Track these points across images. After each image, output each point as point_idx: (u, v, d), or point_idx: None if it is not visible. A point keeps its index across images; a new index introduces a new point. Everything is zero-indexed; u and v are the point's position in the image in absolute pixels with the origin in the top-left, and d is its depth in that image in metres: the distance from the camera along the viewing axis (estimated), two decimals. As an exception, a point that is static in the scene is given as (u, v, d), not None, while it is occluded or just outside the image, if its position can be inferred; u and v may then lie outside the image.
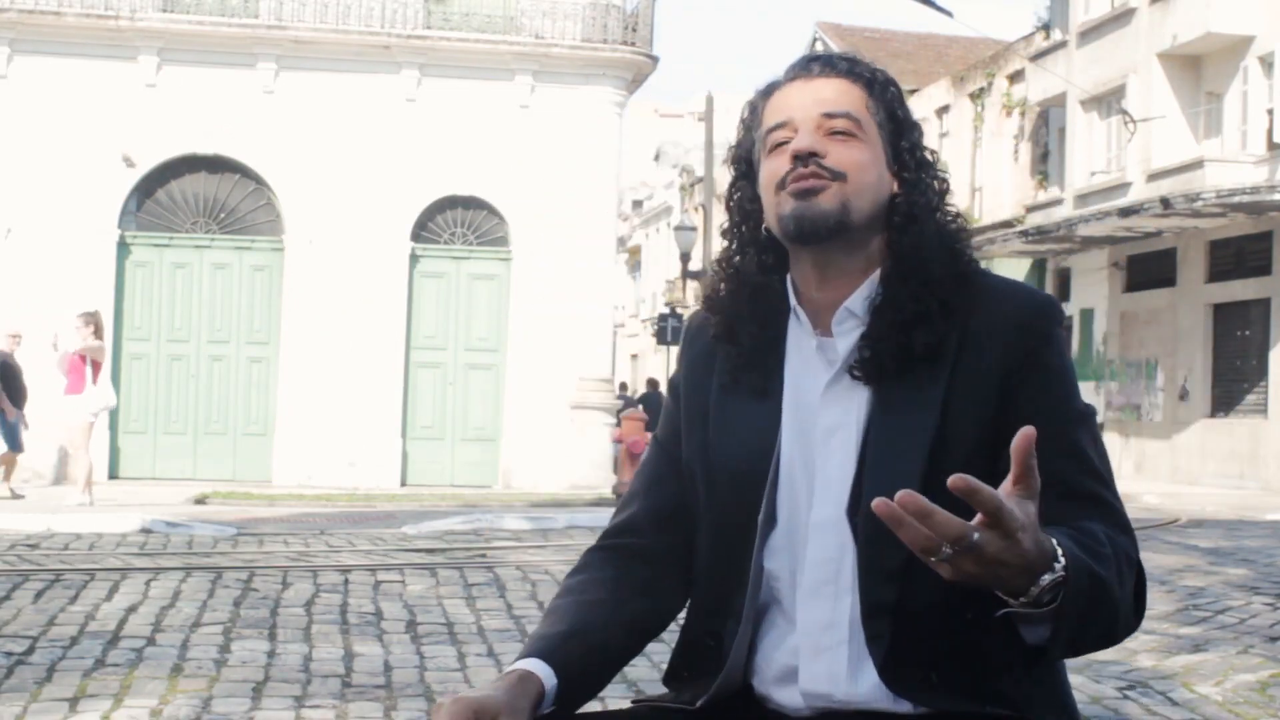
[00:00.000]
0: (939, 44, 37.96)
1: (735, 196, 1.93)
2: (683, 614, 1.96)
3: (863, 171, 1.80)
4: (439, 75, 20.57)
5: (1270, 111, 21.29)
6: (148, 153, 20.04)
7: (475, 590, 7.17)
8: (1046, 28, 27.34)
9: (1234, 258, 22.16)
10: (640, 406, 21.67)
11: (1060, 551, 1.54)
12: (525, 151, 20.55)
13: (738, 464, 1.84)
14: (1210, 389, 22.66)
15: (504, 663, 5.20)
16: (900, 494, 1.46)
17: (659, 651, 2.57)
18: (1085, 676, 5.02)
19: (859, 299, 1.82)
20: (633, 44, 21.02)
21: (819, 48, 38.15)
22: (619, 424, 21.73)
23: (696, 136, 46.22)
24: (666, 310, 33.15)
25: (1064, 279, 26.50)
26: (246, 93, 20.27)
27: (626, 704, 2.03)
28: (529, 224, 20.68)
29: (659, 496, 1.93)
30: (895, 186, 1.83)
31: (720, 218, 1.98)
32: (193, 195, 20.55)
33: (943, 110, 30.83)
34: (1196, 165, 21.38)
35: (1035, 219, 25.87)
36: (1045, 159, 27.68)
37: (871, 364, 1.78)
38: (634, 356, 52.22)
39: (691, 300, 33.63)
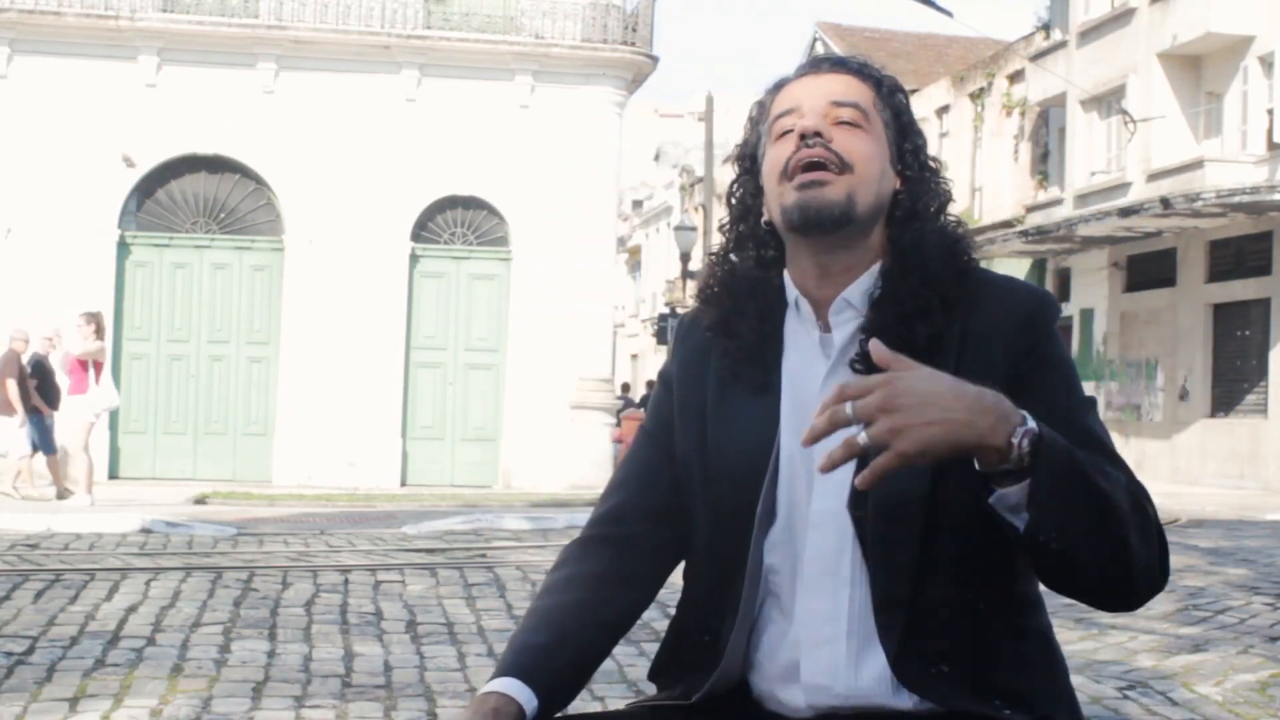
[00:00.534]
0: (939, 44, 37.96)
1: (737, 192, 1.92)
2: (648, 610, 1.95)
3: (869, 163, 1.80)
4: (439, 75, 20.57)
5: (1270, 111, 21.29)
6: (148, 153, 20.04)
7: (475, 590, 7.17)
8: (1046, 28, 27.34)
9: (1234, 258, 22.16)
10: (641, 407, 21.68)
11: (1026, 414, 1.57)
12: (525, 151, 20.55)
13: (737, 459, 1.83)
14: (1210, 389, 22.66)
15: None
16: (872, 343, 1.56)
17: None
18: (1085, 677, 5.02)
19: (857, 291, 1.82)
20: (633, 44, 21.02)
21: (819, 48, 38.19)
22: (619, 424, 21.75)
23: (696, 136, 46.22)
24: (666, 310, 33.17)
25: (1064, 279, 26.50)
26: (246, 93, 20.27)
27: (625, 704, 2.03)
28: (529, 224, 20.68)
29: (648, 486, 1.92)
30: (898, 184, 1.84)
31: (720, 217, 1.98)
32: (193, 195, 20.55)
33: (943, 110, 30.83)
34: (1196, 165, 21.38)
35: (1035, 219, 25.87)
36: (1045, 159, 27.68)
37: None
38: (634, 356, 52.23)
39: (691, 300, 33.50)
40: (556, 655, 1.79)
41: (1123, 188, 23.61)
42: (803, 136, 1.79)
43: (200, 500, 16.00)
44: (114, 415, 17.84)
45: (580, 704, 1.92)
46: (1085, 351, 25.77)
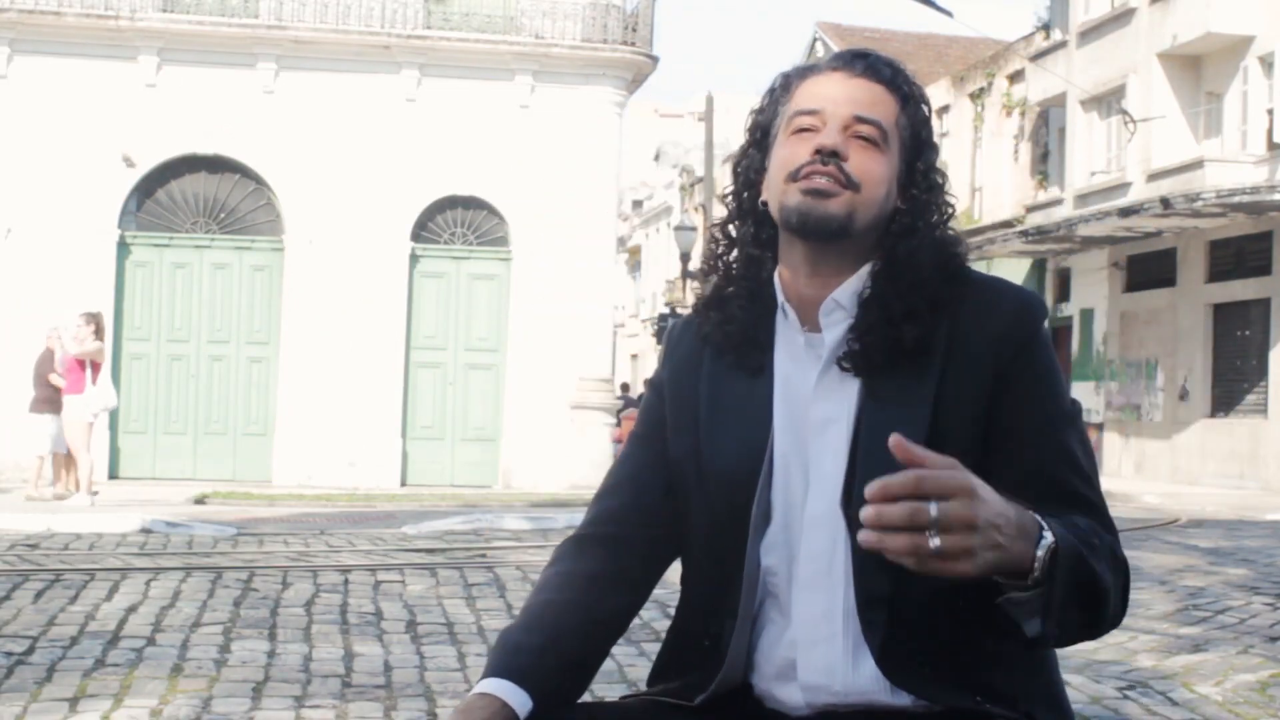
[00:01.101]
0: (939, 44, 37.96)
1: (743, 163, 1.92)
2: (647, 610, 1.95)
3: (876, 185, 1.80)
4: (439, 75, 20.58)
5: (1270, 111, 21.29)
6: (148, 153, 20.05)
7: (475, 590, 7.17)
8: (1046, 28, 27.33)
9: (1234, 258, 22.17)
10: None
11: (1044, 522, 1.56)
12: (525, 151, 20.55)
13: (731, 462, 1.84)
14: (1210, 389, 22.66)
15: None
16: (893, 439, 1.48)
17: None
18: (1085, 676, 5.02)
19: (847, 292, 1.82)
20: (633, 44, 21.02)
21: (819, 48, 38.19)
22: (619, 424, 21.74)
23: (696, 136, 46.22)
24: (666, 310, 33.17)
25: (1064, 279, 26.50)
26: (246, 93, 20.27)
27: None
28: (529, 224, 20.68)
29: (640, 489, 1.92)
30: (900, 202, 1.84)
31: (725, 186, 1.98)
32: (193, 195, 20.55)
33: (943, 110, 30.82)
34: (1196, 165, 21.38)
35: (1035, 219, 25.86)
36: (1045, 159, 27.68)
37: (860, 356, 1.79)
38: (634, 356, 52.23)
39: (691, 300, 33.56)
40: (549, 657, 1.78)
41: (1123, 188, 23.61)
42: (819, 151, 1.78)
43: (200, 500, 16.01)
44: (114, 415, 17.84)
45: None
46: (1085, 351, 25.77)
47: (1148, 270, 24.20)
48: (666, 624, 1.98)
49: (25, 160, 19.57)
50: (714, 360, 1.90)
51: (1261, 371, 21.52)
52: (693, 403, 1.89)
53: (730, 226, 1.92)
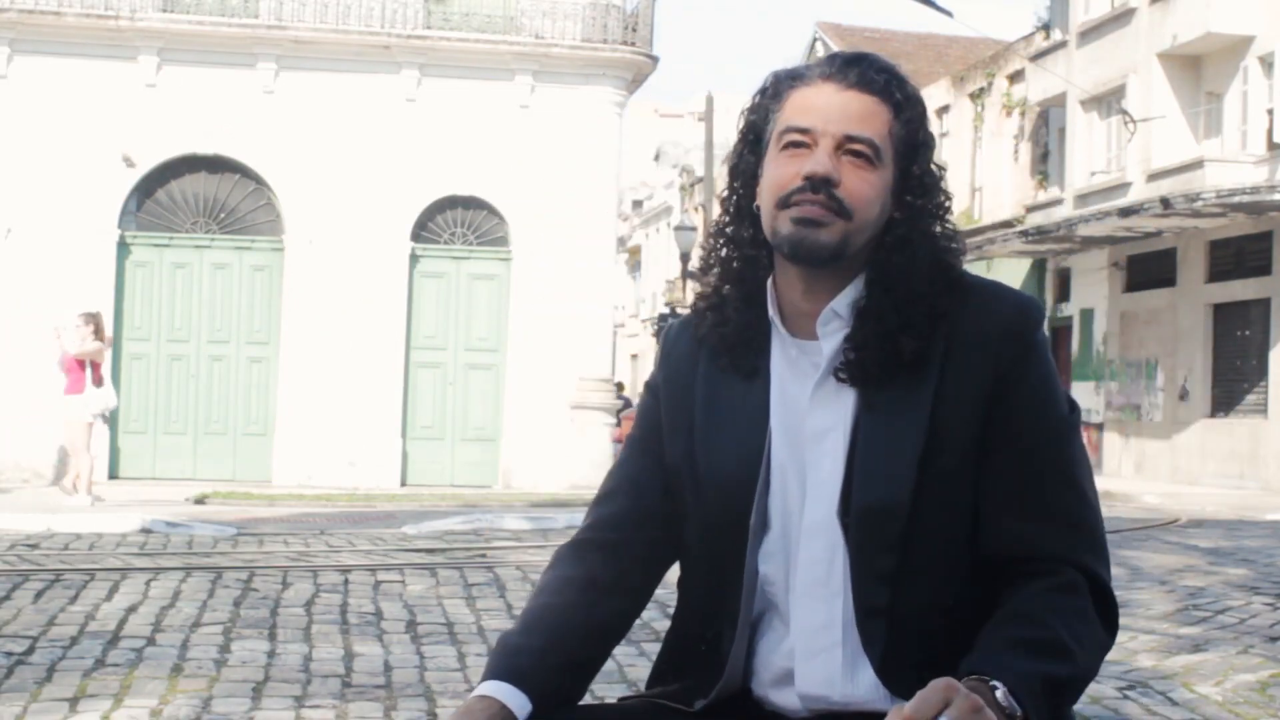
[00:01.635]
0: (939, 44, 37.96)
1: (738, 165, 1.90)
2: (647, 610, 1.95)
3: (869, 208, 1.78)
4: (439, 75, 20.57)
5: (1270, 111, 21.29)
6: (148, 153, 20.04)
7: (475, 590, 7.17)
8: (1046, 28, 27.34)
9: (1234, 258, 22.17)
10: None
11: (1014, 700, 1.60)
12: (525, 151, 20.54)
13: (727, 470, 1.83)
14: (1210, 389, 22.66)
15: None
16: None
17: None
18: (1085, 676, 5.01)
19: (844, 301, 1.81)
20: (633, 44, 21.02)
21: (819, 48, 38.16)
22: (619, 424, 21.73)
23: (696, 136, 46.21)
24: (666, 310, 33.17)
25: (1064, 279, 26.50)
26: (246, 93, 20.27)
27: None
28: (529, 224, 20.67)
29: (638, 493, 1.92)
30: (895, 210, 1.81)
31: (721, 190, 1.97)
32: (193, 195, 20.55)
33: (943, 110, 30.83)
34: (1196, 165, 21.38)
35: (1035, 219, 25.87)
36: (1045, 159, 27.69)
37: (857, 367, 1.78)
38: (634, 356, 52.23)
39: (691, 300, 33.56)
40: (549, 659, 1.78)
41: (1123, 188, 23.61)
42: (809, 178, 1.76)
43: (200, 500, 16.00)
44: (114, 415, 17.81)
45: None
46: (1085, 351, 25.78)
47: (1148, 270, 24.20)
48: (666, 624, 1.98)
49: (25, 160, 19.56)
50: (710, 362, 1.89)
51: (1261, 371, 21.52)
52: (688, 405, 1.89)
53: (727, 227, 1.91)
